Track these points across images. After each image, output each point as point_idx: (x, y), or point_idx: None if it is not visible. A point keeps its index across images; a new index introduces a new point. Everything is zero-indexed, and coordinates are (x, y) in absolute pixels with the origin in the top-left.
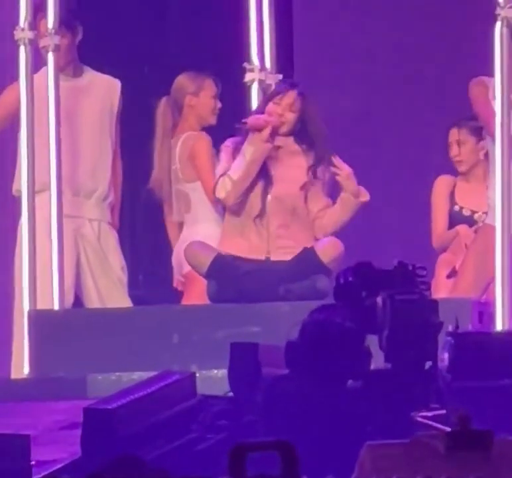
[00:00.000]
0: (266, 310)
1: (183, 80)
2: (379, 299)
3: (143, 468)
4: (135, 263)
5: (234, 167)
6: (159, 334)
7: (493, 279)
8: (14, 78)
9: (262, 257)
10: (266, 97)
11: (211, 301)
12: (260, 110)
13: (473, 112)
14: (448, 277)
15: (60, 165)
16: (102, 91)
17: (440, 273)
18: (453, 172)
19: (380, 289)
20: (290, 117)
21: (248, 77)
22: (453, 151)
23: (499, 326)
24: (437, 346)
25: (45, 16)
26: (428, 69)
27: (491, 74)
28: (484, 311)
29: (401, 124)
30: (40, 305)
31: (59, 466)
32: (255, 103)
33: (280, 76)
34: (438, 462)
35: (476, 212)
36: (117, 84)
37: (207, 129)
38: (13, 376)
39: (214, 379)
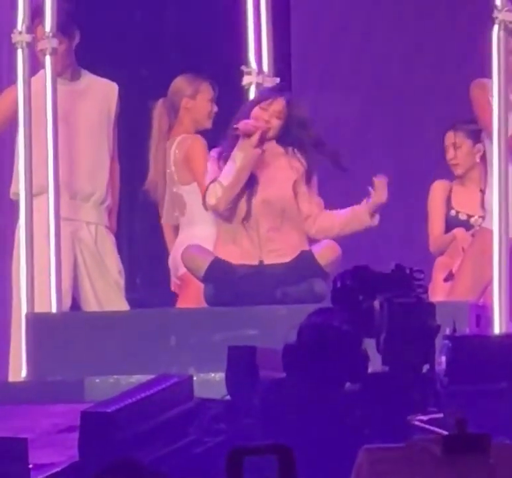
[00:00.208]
0: (263, 313)
1: (180, 83)
2: (376, 303)
3: (141, 471)
4: (133, 267)
5: (224, 173)
6: (157, 337)
7: (490, 282)
8: (12, 81)
9: (256, 263)
10: (253, 101)
11: (209, 304)
12: (246, 114)
13: (473, 114)
14: (445, 280)
15: (58, 168)
16: (100, 94)
17: (437, 277)
18: (450, 176)
19: (377, 293)
20: (276, 123)
21: (245, 80)
22: (450, 154)
23: (496, 329)
24: (434, 350)
25: (41, 21)
26: (426, 72)
27: (488, 77)
28: (482, 314)
29: (399, 128)
30: (38, 308)
31: (57, 469)
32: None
33: (278, 79)
34: (435, 466)
35: (472, 216)
36: (114, 88)
37: (203, 132)
38: (11, 379)
39: (212, 382)
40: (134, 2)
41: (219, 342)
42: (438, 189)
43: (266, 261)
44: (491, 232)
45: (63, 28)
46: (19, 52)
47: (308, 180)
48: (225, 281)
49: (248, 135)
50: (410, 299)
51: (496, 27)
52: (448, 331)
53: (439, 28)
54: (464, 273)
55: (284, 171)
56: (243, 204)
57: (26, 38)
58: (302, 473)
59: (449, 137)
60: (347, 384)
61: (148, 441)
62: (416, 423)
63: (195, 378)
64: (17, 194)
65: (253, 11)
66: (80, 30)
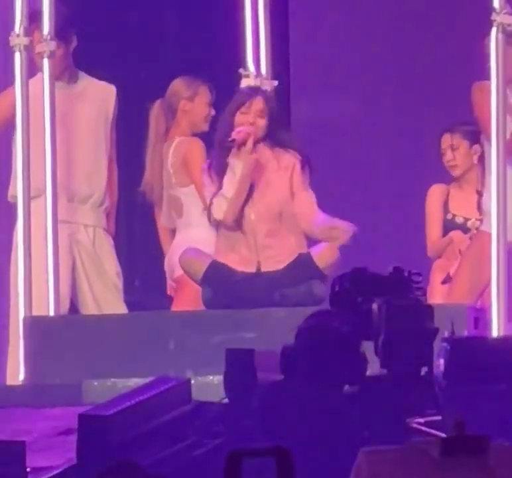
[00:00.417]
0: (261, 316)
1: (179, 85)
2: (375, 305)
3: (140, 474)
4: (131, 269)
5: (225, 186)
6: (155, 340)
7: (487, 285)
8: (9, 83)
9: (253, 270)
10: (230, 109)
11: (207, 307)
12: (228, 123)
13: (473, 117)
14: (443, 282)
15: (56, 171)
16: (97, 97)
17: (435, 279)
18: (448, 180)
19: (375, 295)
20: (262, 123)
21: (244, 83)
22: (447, 155)
23: (494, 332)
24: (432, 352)
25: (38, 25)
26: (424, 75)
27: (486, 79)
28: (480, 316)
29: (396, 131)
30: (36, 311)
31: (55, 472)
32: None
33: (276, 82)
34: (434, 468)
35: (469, 219)
36: (112, 90)
37: (200, 135)
38: (9, 382)
39: (210, 385)
40: (132, 5)
41: (217, 345)
42: (435, 193)
43: (264, 268)
44: (488, 234)
45: (60, 32)
46: (17, 54)
47: (299, 176)
48: (223, 284)
49: (243, 143)
50: (408, 301)
51: (494, 29)
52: (446, 334)
53: (438, 31)
54: (462, 275)
55: (276, 173)
56: (241, 212)
57: (24, 40)
58: (300, 475)
59: (446, 139)
60: (346, 387)
61: (146, 444)
62: (415, 425)
63: (193, 381)
64: (15, 197)
65: (251, 14)
66: (78, 32)
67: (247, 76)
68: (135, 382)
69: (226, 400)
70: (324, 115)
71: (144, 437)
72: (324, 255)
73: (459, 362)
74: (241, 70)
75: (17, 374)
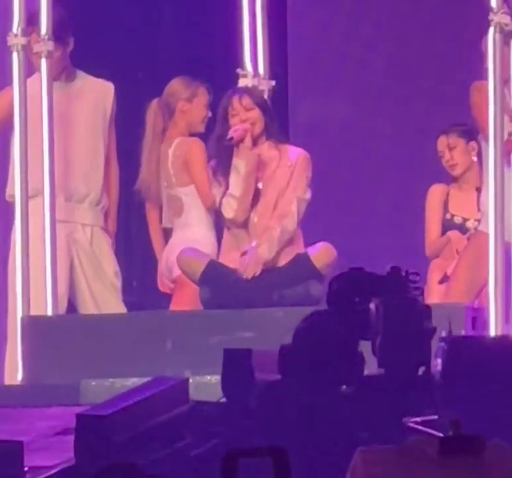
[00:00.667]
0: (259, 316)
1: (177, 85)
2: (372, 305)
3: (138, 474)
4: (129, 269)
5: (232, 185)
6: (152, 340)
7: (484, 284)
8: (7, 83)
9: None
10: (220, 119)
11: (205, 307)
12: (223, 129)
13: (471, 117)
14: (440, 282)
15: (53, 171)
16: (95, 94)
17: (433, 279)
18: (447, 181)
19: (373, 295)
20: (253, 115)
21: (241, 83)
22: (446, 156)
23: (492, 331)
24: (430, 352)
25: (36, 26)
26: (421, 75)
27: (484, 79)
28: (477, 316)
29: (394, 131)
30: (34, 311)
31: (52, 472)
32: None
33: (273, 82)
34: (430, 467)
35: (468, 219)
36: (110, 88)
37: (198, 136)
38: (7, 382)
39: (207, 385)
40: (130, 4)
41: (215, 345)
42: (435, 193)
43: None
44: (486, 235)
45: (58, 32)
46: (14, 55)
47: (298, 174)
48: (221, 284)
49: (241, 140)
50: (405, 301)
51: (492, 29)
52: (443, 333)
53: (436, 31)
54: (459, 275)
55: (279, 170)
56: (248, 212)
57: (22, 40)
58: (297, 475)
59: (442, 141)
60: (343, 386)
61: (143, 444)
62: (412, 424)
63: (191, 381)
64: (13, 197)
65: (249, 13)
66: (76, 31)
67: (245, 76)
68: (133, 381)
69: (224, 400)
70: (322, 115)
71: (142, 436)
72: (321, 255)
73: (457, 361)
74: (238, 70)
75: (15, 373)
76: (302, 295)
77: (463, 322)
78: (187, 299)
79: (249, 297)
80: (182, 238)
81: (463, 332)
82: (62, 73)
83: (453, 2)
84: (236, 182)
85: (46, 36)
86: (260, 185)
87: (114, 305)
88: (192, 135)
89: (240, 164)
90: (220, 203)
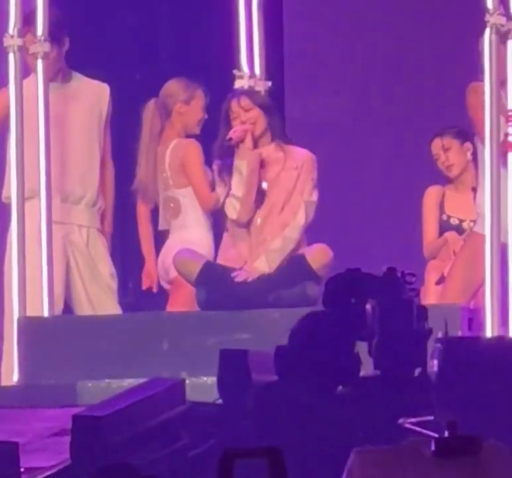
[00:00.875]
0: (255, 317)
1: (175, 87)
2: (368, 306)
3: (134, 475)
4: (125, 271)
5: (234, 186)
6: (149, 341)
7: (480, 285)
8: (3, 84)
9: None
10: (222, 122)
11: (201, 308)
12: (226, 132)
13: (468, 118)
14: (437, 283)
15: (50, 172)
16: (91, 96)
17: (429, 280)
18: (443, 182)
19: (369, 296)
20: (252, 114)
21: (237, 84)
22: (441, 158)
23: (488, 332)
24: (426, 353)
25: (32, 27)
26: (419, 76)
27: (480, 80)
28: (473, 317)
29: (391, 131)
30: (30, 312)
31: (48, 473)
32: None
33: (269, 83)
34: (427, 468)
35: (464, 220)
36: (106, 89)
37: (196, 136)
38: (3, 383)
39: (204, 386)
40: (126, 5)
41: (211, 346)
42: (431, 195)
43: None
44: (481, 236)
45: (53, 33)
46: (11, 55)
47: (304, 177)
48: (217, 285)
49: (241, 140)
50: (402, 302)
51: (488, 30)
52: (439, 334)
53: (432, 32)
54: (455, 276)
55: (284, 172)
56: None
57: (18, 41)
58: (293, 476)
59: (437, 143)
60: (340, 388)
61: (140, 445)
62: (408, 425)
63: (187, 382)
64: (9, 198)
65: (245, 14)
66: (72, 32)
67: (241, 77)
68: (129, 382)
69: (220, 401)
70: (318, 116)
71: (139, 437)
72: (318, 256)
73: (453, 362)
74: (235, 71)
75: (11, 374)
76: (298, 296)
77: (460, 323)
78: (184, 300)
79: (245, 298)
80: (179, 240)
81: (459, 333)
82: (57, 74)
83: (449, 3)
84: (238, 182)
85: (42, 37)
86: (265, 186)
87: (110, 306)
88: (188, 136)
89: (241, 165)
90: (223, 204)
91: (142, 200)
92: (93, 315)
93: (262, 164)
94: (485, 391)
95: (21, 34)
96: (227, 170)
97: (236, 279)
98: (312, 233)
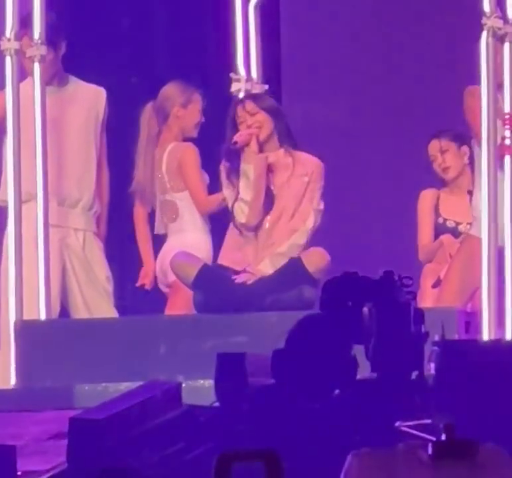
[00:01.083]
0: (252, 320)
1: (172, 90)
2: (365, 309)
3: None
4: (122, 274)
5: (242, 190)
6: (146, 345)
7: (477, 288)
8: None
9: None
10: (229, 127)
11: (198, 311)
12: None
13: (464, 122)
14: (433, 286)
15: (47, 175)
16: (87, 100)
17: (426, 283)
18: (439, 186)
19: (366, 299)
20: (258, 118)
21: (234, 87)
22: (438, 159)
23: (485, 336)
24: (423, 356)
25: (28, 31)
26: (415, 80)
27: (477, 84)
28: (470, 320)
29: (387, 135)
30: (27, 315)
31: (45, 476)
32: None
33: (266, 86)
34: (424, 471)
35: (460, 223)
36: (102, 93)
37: (193, 139)
38: (0, 386)
39: (201, 389)
40: (123, 9)
41: (208, 349)
42: (425, 198)
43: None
44: (478, 239)
45: (50, 37)
46: (8, 59)
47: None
48: (214, 288)
49: (247, 144)
50: (398, 305)
51: (484, 34)
52: (436, 337)
53: (429, 36)
54: (451, 278)
55: (294, 179)
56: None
57: (14, 45)
58: None
59: (434, 145)
60: (337, 391)
61: (137, 448)
62: (405, 429)
63: (184, 385)
64: (5, 201)
65: (242, 17)
66: (69, 36)
67: (238, 80)
68: (126, 386)
69: (217, 404)
70: (315, 119)
71: (135, 441)
72: (314, 260)
73: (450, 365)
74: (231, 74)
75: (8, 378)
76: (295, 300)
77: (456, 327)
78: (182, 304)
79: (243, 301)
80: (176, 243)
81: (456, 337)
82: (54, 78)
83: (446, 6)
84: (246, 186)
85: (39, 41)
86: (273, 190)
87: (106, 309)
88: (185, 139)
89: (248, 169)
90: (232, 208)
91: (139, 203)
92: (90, 318)
93: (270, 169)
94: (482, 394)
95: (18, 37)
96: (235, 173)
97: (237, 281)
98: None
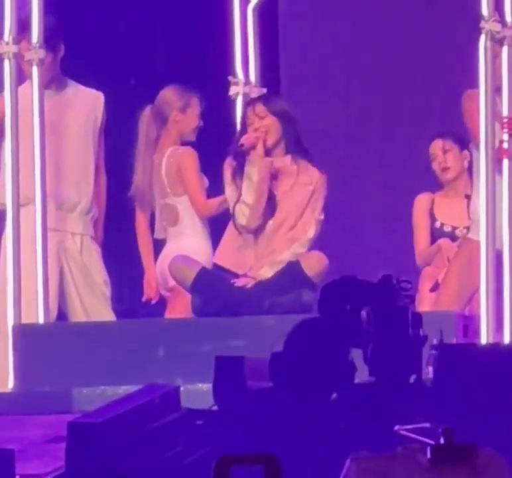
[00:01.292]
0: (251, 323)
1: (171, 94)
2: (364, 313)
3: None
4: (120, 278)
5: (244, 192)
6: (144, 348)
7: (475, 292)
8: None
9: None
10: (240, 128)
11: (196, 314)
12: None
13: (463, 126)
14: (431, 290)
15: (45, 179)
16: (85, 104)
17: (424, 287)
18: (436, 189)
19: (364, 303)
20: (266, 122)
21: (232, 90)
22: (439, 158)
23: (483, 339)
24: (421, 360)
25: (27, 34)
26: (414, 84)
27: (475, 87)
28: (468, 324)
29: (387, 139)
30: (25, 319)
31: None
32: (239, 116)
33: (265, 90)
34: (422, 475)
35: (457, 227)
36: (100, 97)
37: (192, 143)
38: None
39: (199, 393)
40: (122, 13)
41: (206, 353)
42: (421, 202)
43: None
44: (475, 242)
45: (48, 40)
46: (6, 62)
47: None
48: (212, 292)
49: (253, 147)
50: (397, 309)
51: (483, 37)
52: (434, 341)
53: (428, 39)
54: (449, 282)
55: (297, 188)
56: (260, 221)
57: (13, 48)
58: None
59: (437, 144)
60: (335, 394)
61: (135, 452)
62: (403, 432)
63: (182, 389)
64: (4, 205)
65: (241, 21)
66: (67, 40)
67: (236, 84)
68: (125, 389)
69: (215, 408)
70: (313, 122)
71: (134, 444)
72: (313, 263)
73: (448, 369)
74: (230, 78)
75: (6, 381)
76: (293, 303)
77: (455, 330)
78: (182, 308)
79: (241, 304)
80: (176, 248)
81: (454, 340)
82: (52, 81)
83: (444, 10)
84: (248, 189)
85: (38, 44)
86: (276, 196)
87: (104, 313)
88: (183, 144)
89: (252, 171)
90: (233, 210)
91: (139, 208)
92: (88, 321)
93: (275, 175)
94: (481, 398)
95: (16, 41)
96: (239, 173)
97: (236, 285)
98: None
